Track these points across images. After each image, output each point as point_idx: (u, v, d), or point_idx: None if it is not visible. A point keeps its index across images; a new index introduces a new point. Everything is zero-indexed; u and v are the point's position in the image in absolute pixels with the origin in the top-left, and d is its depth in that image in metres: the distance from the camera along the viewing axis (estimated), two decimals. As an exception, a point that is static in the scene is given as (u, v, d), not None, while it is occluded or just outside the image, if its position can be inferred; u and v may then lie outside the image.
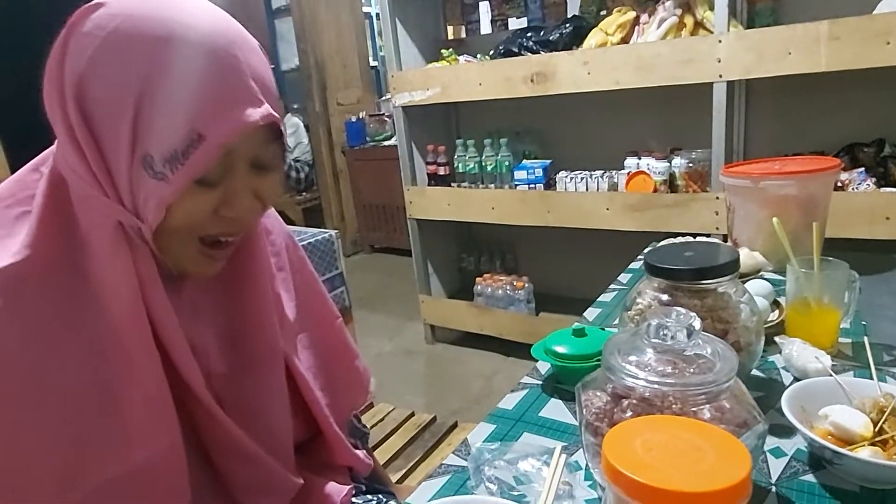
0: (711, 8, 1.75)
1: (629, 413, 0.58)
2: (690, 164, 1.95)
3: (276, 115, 0.57)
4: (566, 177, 2.19)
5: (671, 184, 2.02)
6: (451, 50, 2.44)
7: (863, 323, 1.01)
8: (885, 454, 0.64)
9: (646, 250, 1.16)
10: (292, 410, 0.74)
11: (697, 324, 0.60)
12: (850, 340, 0.95)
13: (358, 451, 0.82)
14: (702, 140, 1.89)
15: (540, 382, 0.90)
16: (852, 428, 0.66)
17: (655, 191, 2.00)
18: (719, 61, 1.71)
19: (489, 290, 2.57)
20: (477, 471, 0.68)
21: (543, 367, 0.93)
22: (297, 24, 4.04)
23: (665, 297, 0.79)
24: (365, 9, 4.45)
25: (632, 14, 1.93)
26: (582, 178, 2.15)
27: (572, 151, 2.41)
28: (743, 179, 1.21)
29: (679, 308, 0.62)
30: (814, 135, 1.99)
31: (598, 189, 2.12)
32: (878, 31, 1.51)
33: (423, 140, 2.56)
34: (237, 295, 0.69)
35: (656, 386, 0.57)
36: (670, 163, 2.01)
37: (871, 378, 0.77)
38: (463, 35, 2.67)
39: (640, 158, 2.08)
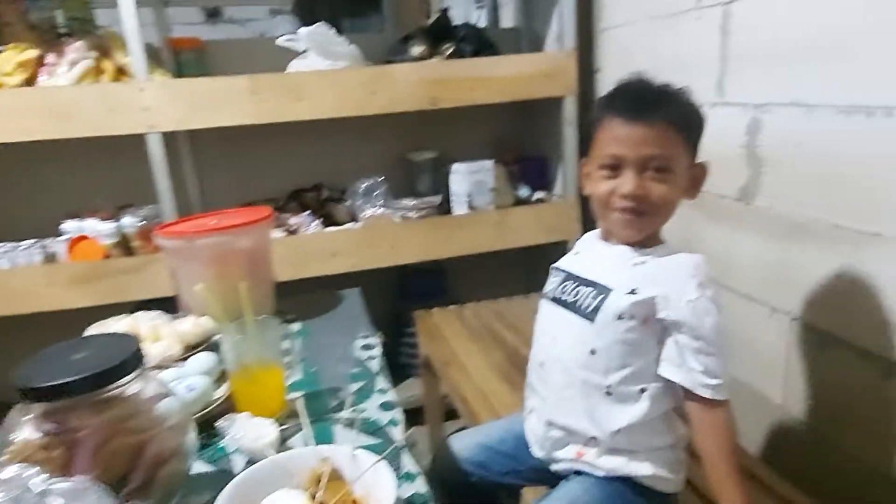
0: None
1: None
2: (143, 222, 1.74)
3: None
4: (-18, 253, 1.69)
5: (126, 246, 1.78)
6: None
7: (312, 370, 1.02)
8: (330, 529, 0.59)
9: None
10: None
11: (39, 481, 0.42)
12: (301, 393, 0.93)
13: None
14: (154, 194, 1.72)
15: None
16: (291, 518, 0.59)
17: (107, 256, 1.73)
18: (147, 111, 1.57)
19: None
20: None
21: None
22: None
23: (50, 425, 0.58)
24: None
25: (34, 52, 1.61)
26: (5, 253, 1.69)
27: (-9, 220, 1.89)
28: (177, 240, 1.09)
29: (16, 466, 0.42)
30: (267, 182, 2.07)
31: (31, 263, 1.70)
32: (292, 88, 1.63)
33: None
34: None
35: None
36: (120, 222, 1.76)
37: (321, 441, 0.74)
38: None
39: (82, 221, 1.76)
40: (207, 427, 0.81)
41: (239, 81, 1.59)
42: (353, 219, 1.90)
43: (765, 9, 1.19)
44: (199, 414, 0.82)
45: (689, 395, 0.85)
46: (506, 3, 2.36)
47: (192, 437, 0.66)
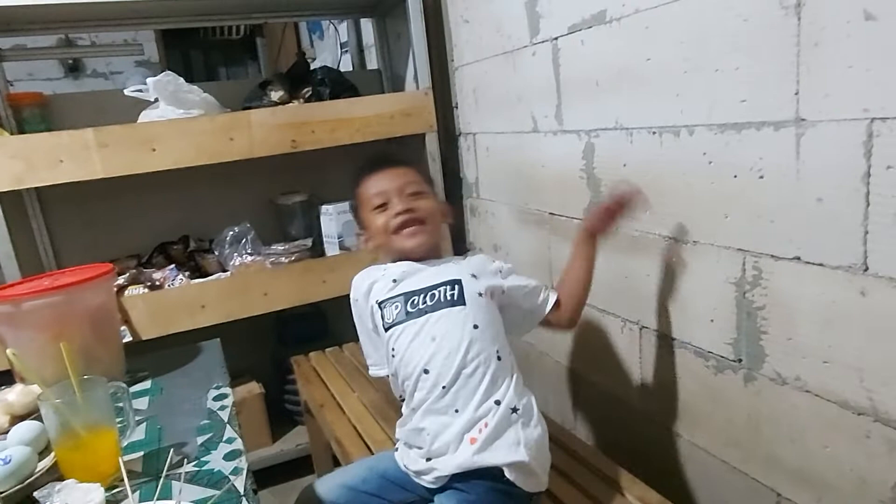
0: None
1: None
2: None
3: None
4: None
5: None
6: None
7: (158, 428, 0.97)
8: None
9: None
10: None
11: None
12: (142, 453, 0.89)
13: None
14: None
15: None
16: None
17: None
18: (-19, 171, 1.47)
19: None
20: None
21: None
22: None
23: None
24: None
25: None
26: None
27: None
28: (1, 304, 1.02)
29: None
30: (129, 238, 1.98)
31: None
32: (143, 139, 1.58)
33: None
34: None
35: None
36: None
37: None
38: None
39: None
40: (29, 502, 0.75)
41: (84, 135, 1.52)
42: (223, 269, 1.85)
43: (582, 44, 1.30)
44: (18, 487, 0.76)
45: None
46: (370, 47, 2.43)
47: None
